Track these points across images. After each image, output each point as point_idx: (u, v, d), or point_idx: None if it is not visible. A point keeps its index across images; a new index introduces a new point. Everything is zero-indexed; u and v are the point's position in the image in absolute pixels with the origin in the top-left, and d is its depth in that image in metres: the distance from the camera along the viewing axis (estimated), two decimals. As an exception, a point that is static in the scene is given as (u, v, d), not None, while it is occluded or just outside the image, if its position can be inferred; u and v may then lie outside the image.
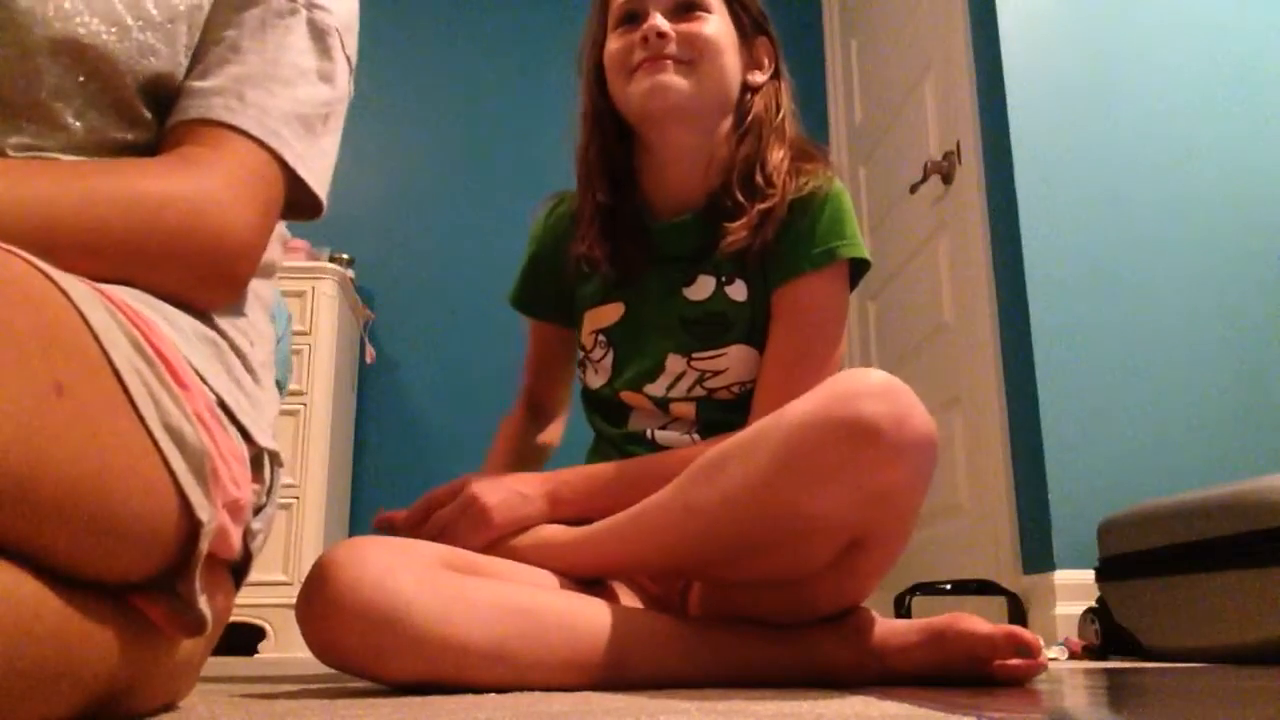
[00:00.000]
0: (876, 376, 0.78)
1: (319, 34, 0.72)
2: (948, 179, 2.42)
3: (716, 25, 1.08)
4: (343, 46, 0.74)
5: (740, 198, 1.05)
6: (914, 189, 2.54)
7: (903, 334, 2.70)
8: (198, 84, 0.66)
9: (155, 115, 0.67)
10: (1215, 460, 1.93)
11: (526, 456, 1.21)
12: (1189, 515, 1.44)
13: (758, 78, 1.13)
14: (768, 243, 1.04)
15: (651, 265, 1.10)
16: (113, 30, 0.64)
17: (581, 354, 1.16)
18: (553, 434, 1.26)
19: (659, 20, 1.05)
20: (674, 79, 1.05)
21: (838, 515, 0.79)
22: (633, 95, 1.06)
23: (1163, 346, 2.04)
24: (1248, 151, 2.16)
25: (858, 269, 1.08)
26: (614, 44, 1.09)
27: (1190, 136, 2.15)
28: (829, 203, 1.06)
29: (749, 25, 1.13)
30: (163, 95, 0.67)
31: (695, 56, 1.06)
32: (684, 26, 1.06)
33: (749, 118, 1.09)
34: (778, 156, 1.07)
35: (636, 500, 0.90)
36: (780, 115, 1.11)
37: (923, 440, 0.77)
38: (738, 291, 1.07)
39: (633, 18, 1.08)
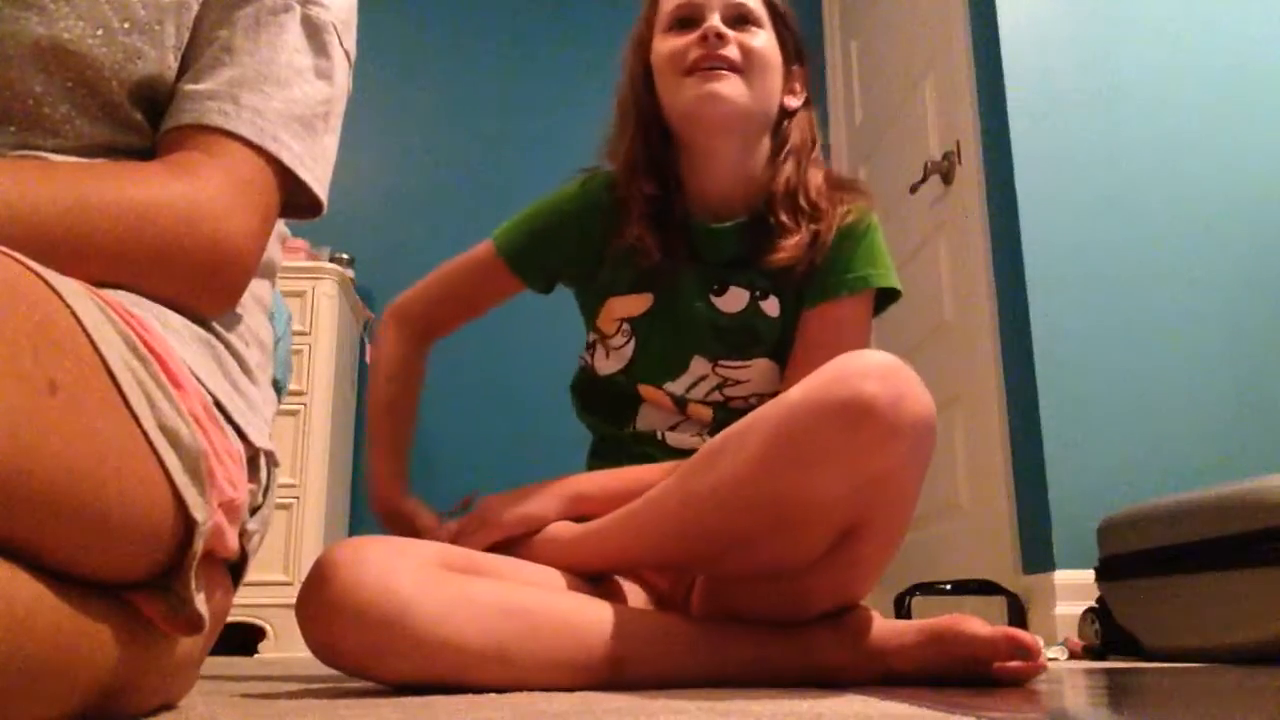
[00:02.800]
0: (875, 357, 0.78)
1: (314, 30, 0.71)
2: (948, 179, 2.42)
3: (768, 41, 1.09)
4: (340, 42, 0.73)
5: (785, 219, 1.06)
6: (914, 189, 2.54)
7: (903, 334, 2.70)
8: (191, 87, 0.66)
9: (147, 118, 0.67)
10: (1215, 460, 1.93)
11: (414, 416, 1.17)
12: (1189, 515, 1.44)
13: (793, 103, 1.13)
14: (814, 264, 1.06)
15: (687, 264, 1.10)
16: (98, 34, 0.63)
17: (595, 337, 1.14)
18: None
19: (718, 22, 1.06)
20: (730, 88, 1.05)
21: (833, 499, 0.78)
22: (687, 98, 1.06)
23: (1163, 346, 2.04)
24: (1248, 151, 2.16)
25: (888, 297, 1.09)
26: (665, 45, 1.09)
27: (1190, 136, 2.15)
28: (869, 234, 1.08)
29: (791, 50, 1.14)
30: (153, 98, 0.66)
31: (750, 66, 1.06)
32: (740, 36, 1.07)
33: (787, 144, 1.10)
34: (818, 179, 1.09)
35: None
36: (815, 146, 1.13)
37: (920, 420, 0.77)
38: (771, 307, 1.08)
39: (685, 23, 1.09)
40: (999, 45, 2.18)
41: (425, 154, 3.35)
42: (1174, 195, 2.12)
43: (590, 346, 1.15)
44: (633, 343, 1.11)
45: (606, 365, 1.13)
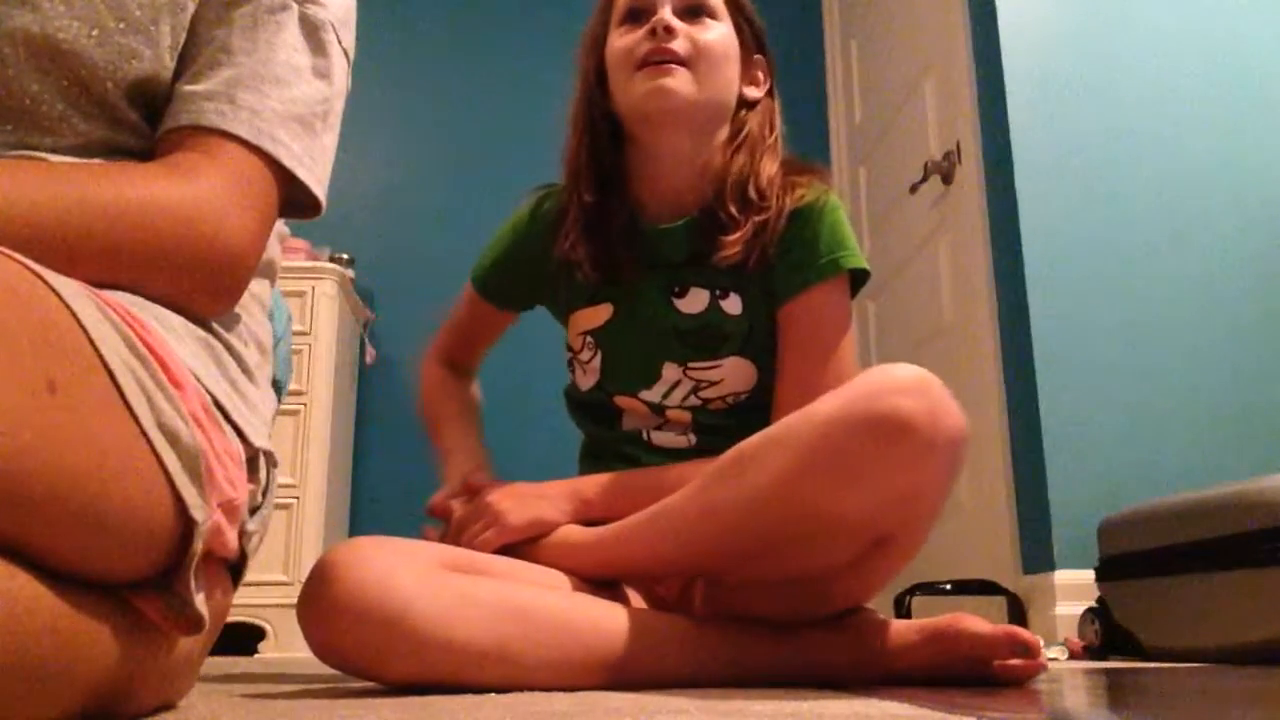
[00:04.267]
0: (908, 371, 0.78)
1: (312, 29, 0.71)
2: (948, 179, 2.42)
3: (722, 33, 1.08)
4: (339, 40, 0.73)
5: (734, 211, 1.04)
6: (914, 189, 2.54)
7: (903, 334, 2.70)
8: (189, 88, 0.66)
9: (144, 118, 0.66)
10: (1215, 460, 1.93)
11: (474, 412, 1.23)
12: (1189, 515, 1.44)
13: (753, 94, 1.13)
14: (766, 256, 1.04)
15: (641, 269, 1.09)
16: (94, 34, 0.63)
17: (570, 354, 1.14)
18: (476, 390, 1.27)
19: (669, 15, 1.05)
20: (678, 82, 1.03)
21: (866, 513, 0.78)
22: (635, 93, 1.05)
23: (1162, 346, 2.04)
24: (1247, 151, 2.16)
25: (858, 279, 1.08)
26: (618, 40, 1.08)
27: (1190, 136, 2.15)
28: (828, 214, 1.05)
29: (751, 41, 1.13)
30: (150, 98, 0.66)
31: (699, 58, 1.05)
32: (691, 28, 1.06)
33: (743, 133, 1.09)
34: (771, 169, 1.07)
35: None
36: (774, 135, 1.11)
37: (956, 436, 0.76)
38: (732, 305, 1.06)
39: (637, 15, 1.08)
40: (999, 45, 2.18)
41: (425, 154, 3.35)
42: (1174, 195, 2.12)
43: (570, 366, 1.15)
44: (598, 356, 1.10)
45: (585, 381, 1.12)
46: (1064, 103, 2.15)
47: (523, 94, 3.38)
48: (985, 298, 2.21)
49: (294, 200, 0.71)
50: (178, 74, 0.67)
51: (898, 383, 0.76)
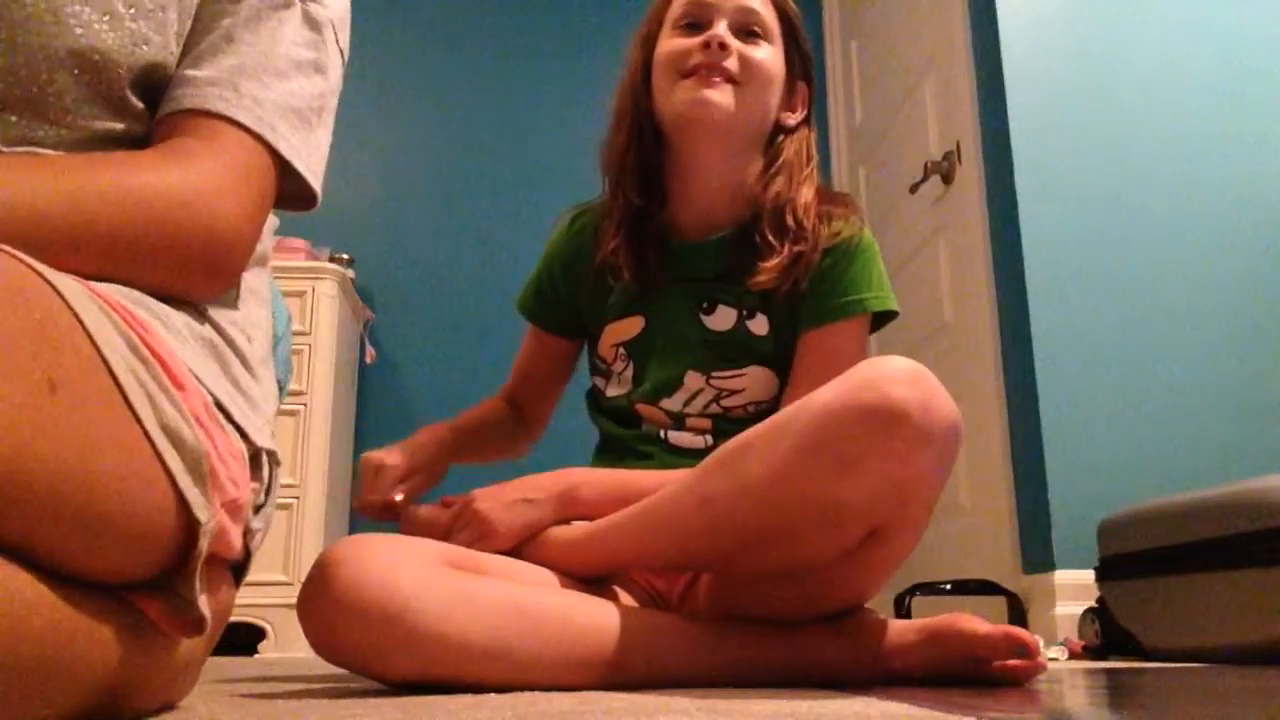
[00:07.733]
0: (901, 363, 0.79)
1: (314, 26, 0.72)
2: (948, 179, 2.42)
3: (772, 55, 1.09)
4: (336, 40, 0.74)
5: (770, 237, 1.05)
6: (914, 189, 2.54)
7: (903, 334, 2.70)
8: (191, 73, 0.66)
9: (146, 105, 0.67)
10: (1215, 460, 1.93)
11: (491, 437, 1.20)
12: (1189, 515, 1.44)
13: (791, 120, 1.14)
14: (798, 286, 1.05)
15: (673, 282, 1.10)
16: (105, 19, 0.63)
17: (603, 365, 1.16)
18: (522, 446, 1.26)
19: (724, 31, 1.06)
20: (721, 95, 1.05)
21: (862, 502, 0.79)
22: (676, 99, 1.07)
23: (1163, 346, 2.04)
24: (1248, 151, 2.16)
25: (885, 315, 1.10)
26: (669, 45, 1.09)
27: (1190, 136, 2.15)
28: (860, 253, 1.08)
29: (798, 67, 1.14)
30: (153, 85, 0.67)
31: (747, 79, 1.07)
32: (743, 47, 1.07)
33: (780, 160, 1.10)
34: (808, 196, 1.08)
35: None
36: (811, 163, 1.12)
37: (950, 426, 0.78)
38: (759, 326, 1.08)
39: (694, 25, 1.09)
40: (999, 45, 2.18)
41: (425, 154, 3.36)
42: (1174, 195, 2.12)
43: (604, 376, 1.16)
44: (631, 367, 1.12)
45: (615, 389, 1.14)
46: (1064, 102, 2.15)
47: (522, 94, 3.38)
48: (985, 298, 2.21)
49: (290, 192, 0.71)
50: (179, 60, 0.68)
51: (891, 373, 0.77)
